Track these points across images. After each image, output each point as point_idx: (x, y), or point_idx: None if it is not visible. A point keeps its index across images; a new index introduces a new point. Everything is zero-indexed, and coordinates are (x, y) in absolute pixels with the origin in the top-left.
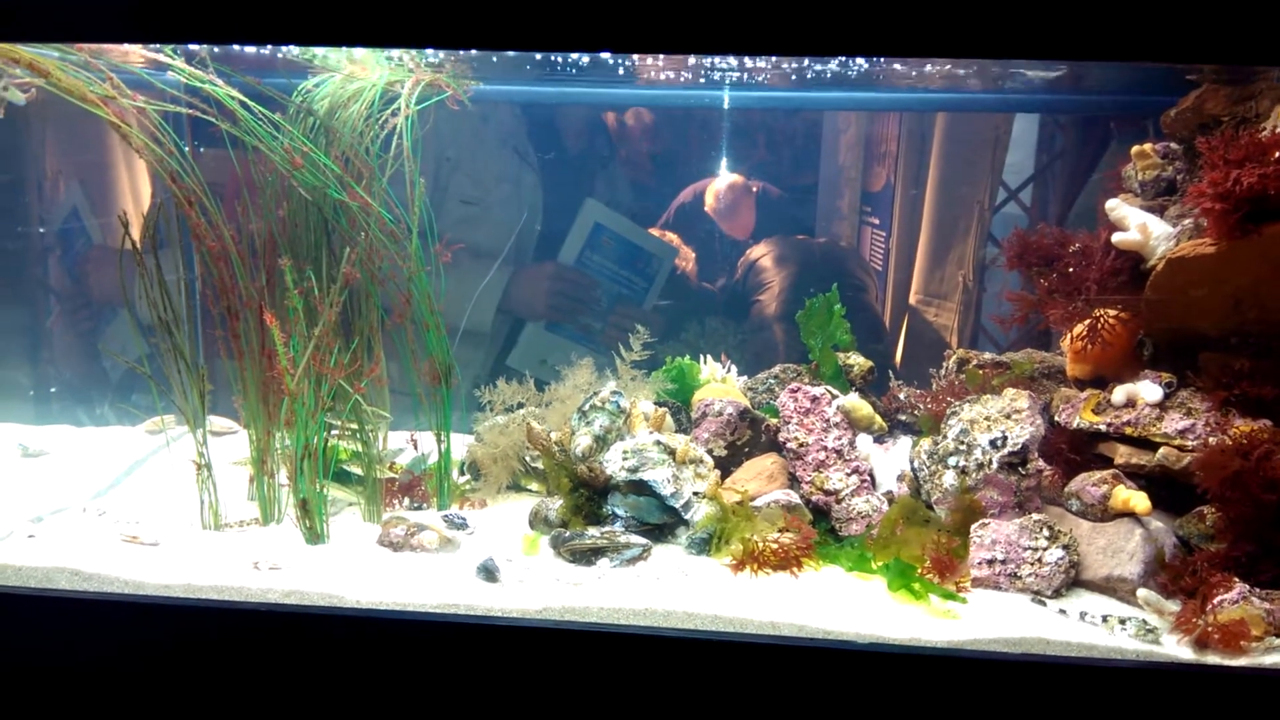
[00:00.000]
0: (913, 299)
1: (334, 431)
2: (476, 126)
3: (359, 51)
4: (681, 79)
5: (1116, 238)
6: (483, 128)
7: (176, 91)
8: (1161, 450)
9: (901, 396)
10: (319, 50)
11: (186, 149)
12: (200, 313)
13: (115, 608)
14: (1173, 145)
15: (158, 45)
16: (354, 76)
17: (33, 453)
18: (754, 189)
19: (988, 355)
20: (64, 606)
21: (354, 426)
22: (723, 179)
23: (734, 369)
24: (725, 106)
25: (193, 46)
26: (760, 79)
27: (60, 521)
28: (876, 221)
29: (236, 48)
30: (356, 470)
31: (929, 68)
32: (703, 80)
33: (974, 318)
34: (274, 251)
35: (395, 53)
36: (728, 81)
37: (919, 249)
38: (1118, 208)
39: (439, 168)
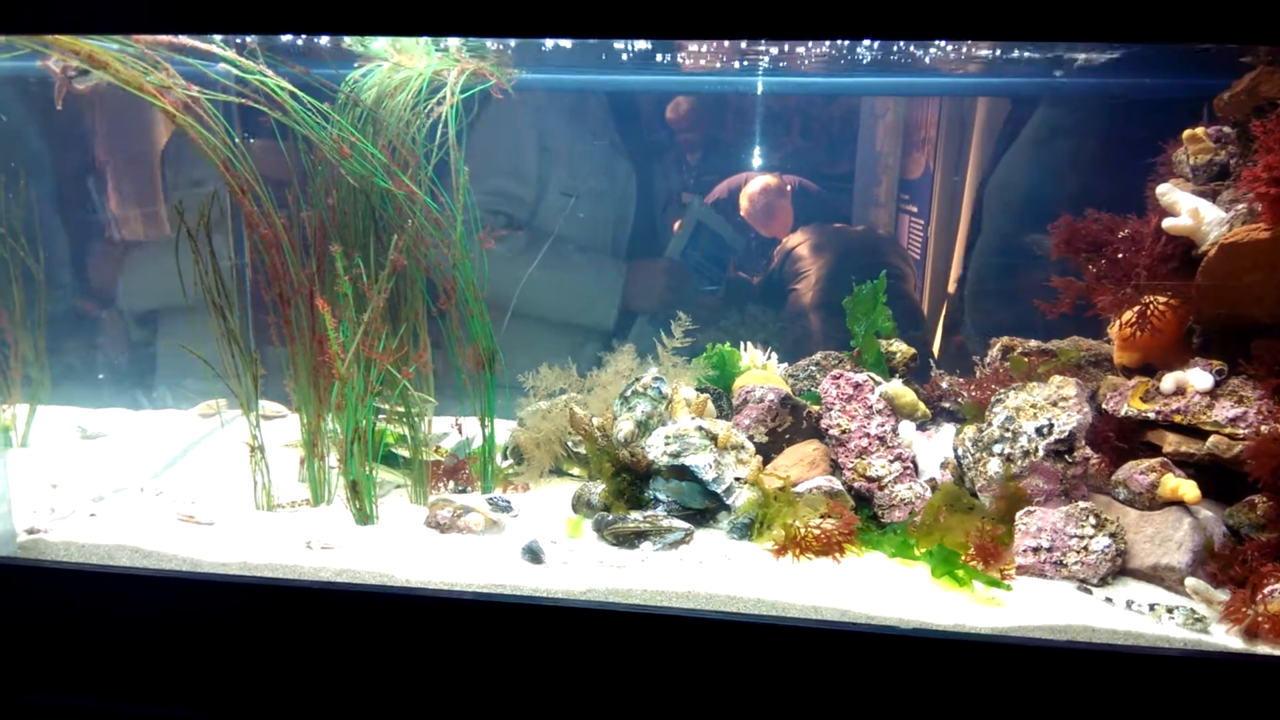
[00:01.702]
0: (952, 288)
1: (382, 415)
2: (571, 117)
3: (405, 40)
4: (716, 64)
5: (1167, 223)
6: (577, 118)
7: (228, 82)
8: (1211, 438)
9: (944, 384)
10: (347, 39)
11: (238, 139)
12: (251, 298)
13: (174, 584)
14: (1225, 129)
15: (206, 36)
16: (400, 65)
17: (91, 435)
18: (788, 188)
19: (1033, 343)
20: (125, 582)
21: (401, 410)
22: (755, 182)
23: (774, 356)
24: (759, 92)
25: (242, 38)
26: (799, 64)
27: (120, 501)
28: (915, 209)
29: (284, 37)
30: (403, 453)
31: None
32: (737, 65)
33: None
34: (324, 239)
35: (442, 40)
36: (762, 67)
37: (958, 237)
38: (1169, 193)
39: (540, 159)
